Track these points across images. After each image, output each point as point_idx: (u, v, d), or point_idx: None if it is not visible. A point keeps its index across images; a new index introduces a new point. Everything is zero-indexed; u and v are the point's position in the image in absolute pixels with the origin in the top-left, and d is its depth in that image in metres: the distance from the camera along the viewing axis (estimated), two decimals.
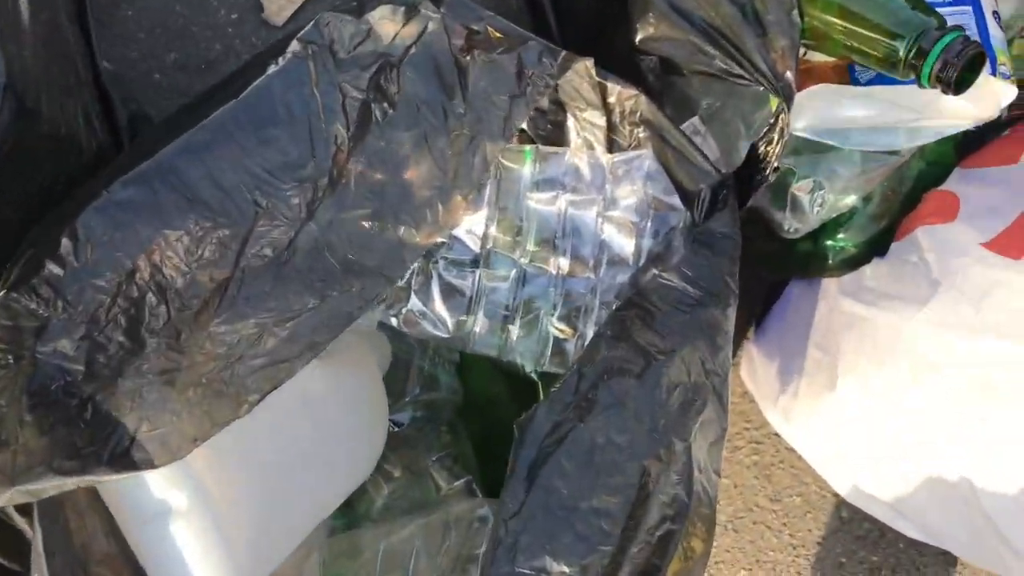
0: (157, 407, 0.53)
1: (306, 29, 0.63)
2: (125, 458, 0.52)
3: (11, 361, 0.52)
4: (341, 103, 0.60)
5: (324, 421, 0.69)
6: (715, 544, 0.79)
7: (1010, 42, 0.79)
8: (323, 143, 0.58)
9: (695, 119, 0.83)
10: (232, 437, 0.59)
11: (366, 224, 0.57)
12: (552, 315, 0.68)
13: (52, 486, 0.50)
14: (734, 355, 1.07)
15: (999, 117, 0.73)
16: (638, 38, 0.71)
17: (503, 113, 0.59)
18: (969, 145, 0.79)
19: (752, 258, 0.91)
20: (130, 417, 0.52)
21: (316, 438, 0.68)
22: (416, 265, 0.66)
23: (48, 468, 0.50)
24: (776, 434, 1.02)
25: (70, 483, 0.51)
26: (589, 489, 0.55)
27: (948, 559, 1.00)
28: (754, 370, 1.01)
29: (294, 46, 0.61)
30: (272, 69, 0.61)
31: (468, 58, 0.61)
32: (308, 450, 0.67)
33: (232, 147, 0.58)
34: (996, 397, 0.62)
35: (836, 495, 1.01)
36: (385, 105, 0.59)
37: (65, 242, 0.52)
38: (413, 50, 0.61)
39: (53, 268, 0.52)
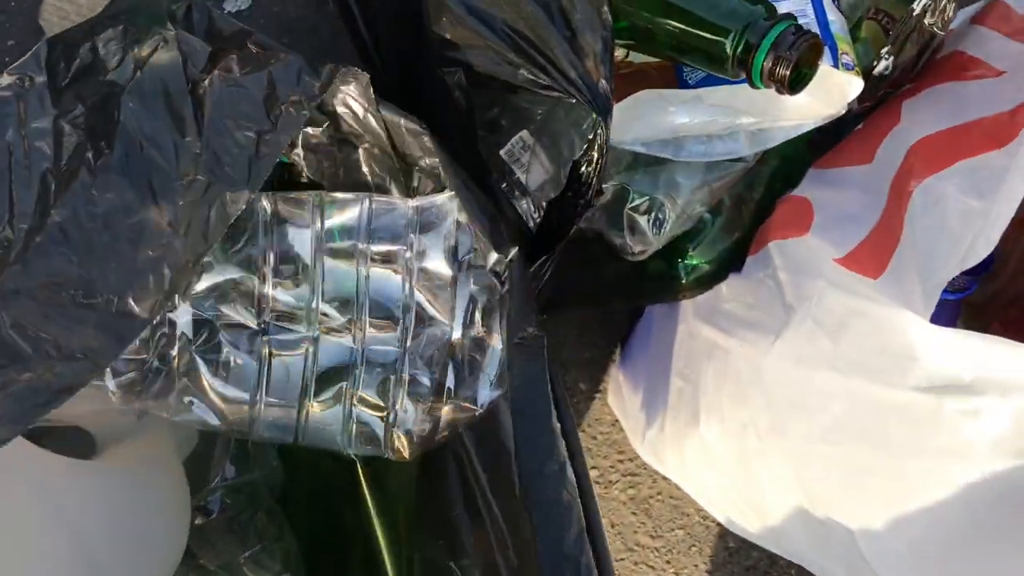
0: None
1: (23, 59, 0.52)
2: None
3: None
4: (52, 147, 0.48)
5: (91, 532, 0.57)
6: None
7: (858, 23, 0.71)
8: (23, 198, 0.47)
9: (523, 133, 0.74)
10: None
11: (66, 295, 0.45)
12: (356, 389, 0.58)
13: None
14: (599, 383, 0.98)
15: (849, 110, 0.65)
16: (437, 47, 0.61)
17: (248, 152, 0.48)
18: (823, 140, 0.72)
19: (603, 289, 0.82)
20: None
21: (78, 553, 0.56)
22: (181, 343, 0.55)
23: None
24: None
25: None
26: None
27: None
28: (621, 399, 0.93)
29: (3, 80, 0.51)
30: None
31: (207, 83, 0.49)
32: (66, 565, 0.56)
33: None
34: (863, 440, 0.54)
35: (719, 524, 0.93)
36: (102, 144, 0.48)
37: None
38: (138, 75, 0.50)
39: None
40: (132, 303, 0.46)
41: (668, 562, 0.94)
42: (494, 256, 0.56)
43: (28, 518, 0.54)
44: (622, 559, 0.94)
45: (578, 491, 0.56)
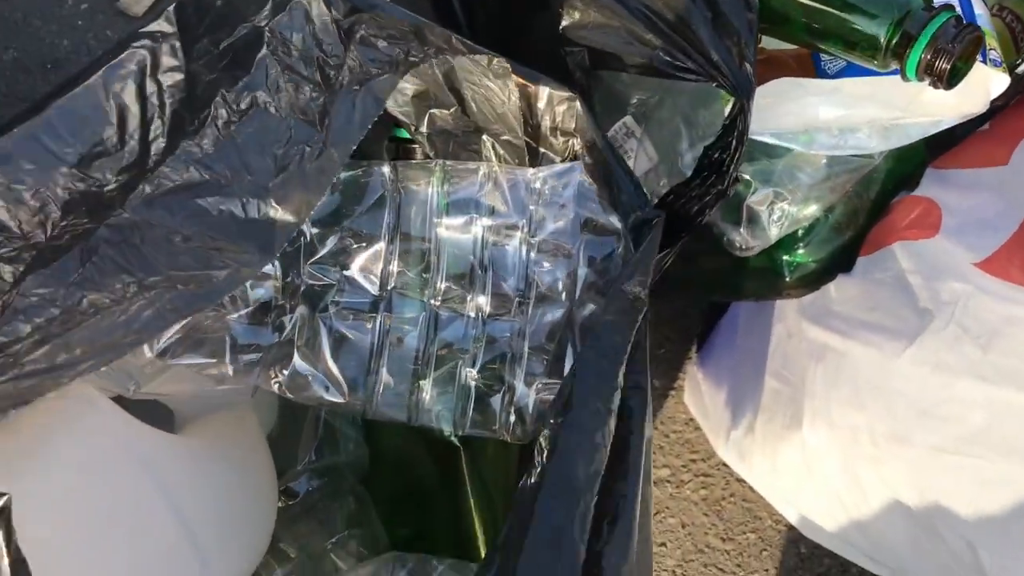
0: None
1: (153, 23, 0.51)
2: None
3: None
4: (186, 88, 0.48)
5: (191, 510, 0.55)
6: None
7: None
8: (157, 130, 0.47)
9: (627, 119, 0.72)
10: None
11: (204, 203, 0.45)
12: (472, 366, 0.56)
13: None
14: (674, 380, 0.96)
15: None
16: (563, 25, 0.59)
17: (392, 56, 0.49)
18: (939, 140, 0.69)
19: (699, 283, 0.80)
20: None
21: (181, 532, 0.54)
22: (300, 314, 0.53)
23: None
24: (725, 464, 0.92)
25: None
26: None
27: None
28: (700, 397, 0.90)
29: (136, 42, 0.49)
30: (103, 68, 0.48)
31: (351, 21, 0.49)
32: (172, 547, 0.54)
33: (41, 154, 0.46)
34: (1006, 452, 0.52)
35: (793, 529, 0.91)
36: (240, 72, 0.48)
37: None
38: (280, 16, 0.49)
39: None
40: (275, 205, 0.45)
41: (739, 565, 0.92)
42: (615, 231, 0.54)
43: (133, 491, 0.53)
44: (691, 560, 0.92)
45: (621, 441, 0.53)
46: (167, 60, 0.48)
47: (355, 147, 0.50)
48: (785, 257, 0.72)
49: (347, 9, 0.50)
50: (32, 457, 0.50)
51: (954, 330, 0.53)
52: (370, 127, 0.50)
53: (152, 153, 0.48)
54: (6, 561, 0.39)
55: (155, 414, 0.63)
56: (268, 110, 0.49)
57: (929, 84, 0.52)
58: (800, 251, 0.70)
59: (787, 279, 0.72)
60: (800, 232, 0.70)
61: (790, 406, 0.71)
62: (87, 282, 0.47)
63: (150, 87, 0.47)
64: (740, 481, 0.92)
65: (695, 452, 0.94)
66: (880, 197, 0.69)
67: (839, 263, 0.70)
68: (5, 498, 0.38)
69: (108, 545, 0.51)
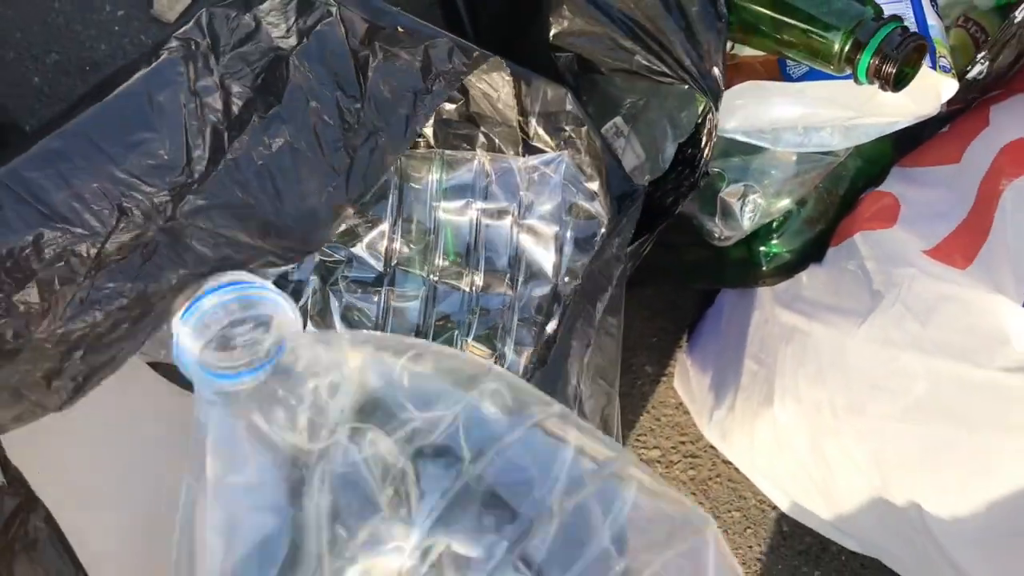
0: None
1: (186, 27, 0.57)
2: None
3: None
4: (222, 101, 0.53)
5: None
6: None
7: (946, 32, 0.75)
8: (198, 143, 0.52)
9: (617, 119, 0.78)
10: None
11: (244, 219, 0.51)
12: (467, 336, 0.62)
13: None
14: (665, 367, 1.02)
15: (938, 112, 0.69)
16: (552, 33, 0.65)
17: (406, 110, 0.53)
18: (906, 141, 0.75)
19: (682, 271, 0.86)
20: None
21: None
22: (313, 287, 0.60)
23: None
24: (713, 447, 0.97)
25: None
26: None
27: (890, 572, 0.96)
28: (688, 382, 0.96)
29: (171, 44, 0.55)
30: (144, 70, 0.54)
31: (367, 52, 0.54)
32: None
33: (94, 153, 0.52)
34: (944, 418, 0.57)
35: (776, 508, 0.97)
36: (271, 98, 0.53)
37: None
38: (305, 42, 0.55)
39: None
40: (296, 237, 0.51)
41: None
42: (598, 216, 0.60)
43: (154, 435, 0.59)
44: None
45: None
46: (202, 69, 0.54)
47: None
48: (762, 248, 0.78)
49: (365, 31, 0.56)
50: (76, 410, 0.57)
51: (899, 308, 0.59)
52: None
53: (196, 166, 0.52)
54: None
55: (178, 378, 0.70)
56: (297, 147, 0.53)
57: (879, 87, 0.58)
58: (774, 242, 0.76)
59: (763, 268, 0.78)
60: (774, 224, 0.76)
61: (764, 385, 0.77)
62: (148, 276, 0.52)
63: (188, 98, 0.53)
64: (726, 463, 0.98)
65: (684, 435, 0.99)
66: (849, 193, 0.75)
67: (811, 254, 0.76)
68: None
69: (132, 479, 0.58)
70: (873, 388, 0.62)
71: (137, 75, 0.54)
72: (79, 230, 0.51)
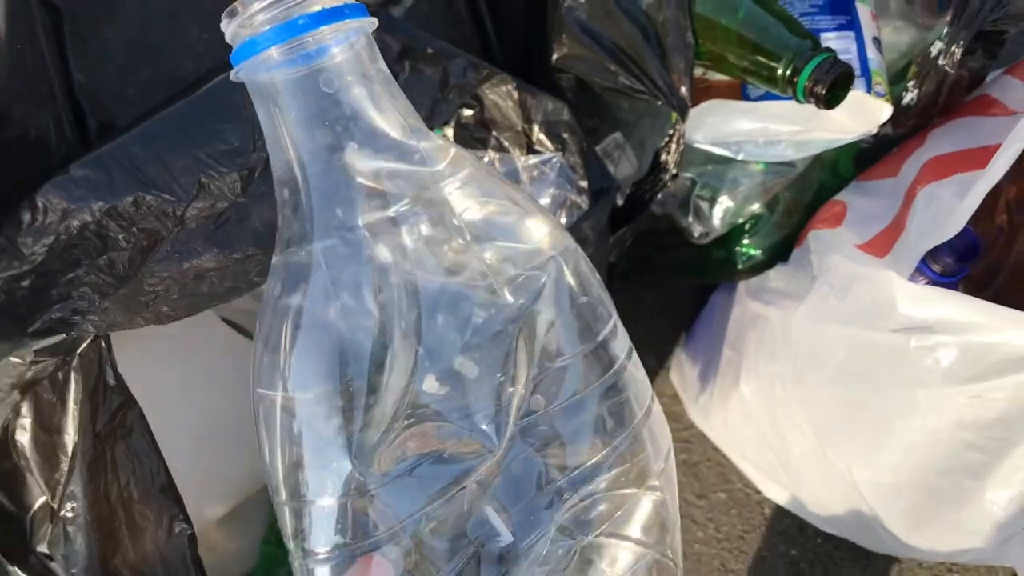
0: (87, 306, 0.60)
1: None
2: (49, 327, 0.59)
3: None
4: None
5: None
6: None
7: (907, 67, 0.87)
8: (261, 137, 0.66)
9: (617, 134, 0.91)
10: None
11: None
12: None
13: None
14: (664, 362, 1.14)
15: (885, 134, 0.81)
16: (555, 57, 0.79)
17: (425, 113, 0.67)
18: (867, 160, 0.87)
19: (671, 267, 0.99)
20: (62, 307, 0.60)
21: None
22: None
23: None
24: (704, 434, 1.09)
25: None
26: None
27: (860, 553, 1.06)
28: (682, 374, 1.08)
29: None
30: (224, 75, 0.69)
31: (399, 68, 0.69)
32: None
33: (182, 137, 0.66)
34: (859, 379, 0.69)
35: (759, 492, 1.08)
36: None
37: (25, 213, 0.60)
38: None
39: (8, 231, 0.60)
40: None
41: (709, 519, 1.09)
42: (583, 207, 0.73)
43: (222, 377, 0.74)
44: None
45: None
46: None
47: None
48: (737, 248, 0.90)
49: (399, 51, 0.70)
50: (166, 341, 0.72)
51: (826, 288, 0.71)
52: None
53: (261, 153, 0.65)
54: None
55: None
56: None
57: (814, 104, 0.71)
58: (746, 242, 0.89)
59: (739, 267, 0.91)
60: (747, 227, 0.88)
61: (735, 368, 0.89)
62: (219, 241, 0.64)
63: None
64: (716, 449, 1.09)
65: (678, 422, 1.11)
66: (813, 203, 0.88)
67: (779, 254, 0.88)
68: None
69: (199, 393, 0.72)
70: (811, 358, 0.74)
71: (218, 78, 0.70)
72: (167, 196, 0.65)
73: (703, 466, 1.10)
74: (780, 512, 1.08)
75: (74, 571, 0.63)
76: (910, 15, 0.89)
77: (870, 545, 0.85)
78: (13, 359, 0.59)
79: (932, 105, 0.79)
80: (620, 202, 0.85)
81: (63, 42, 0.95)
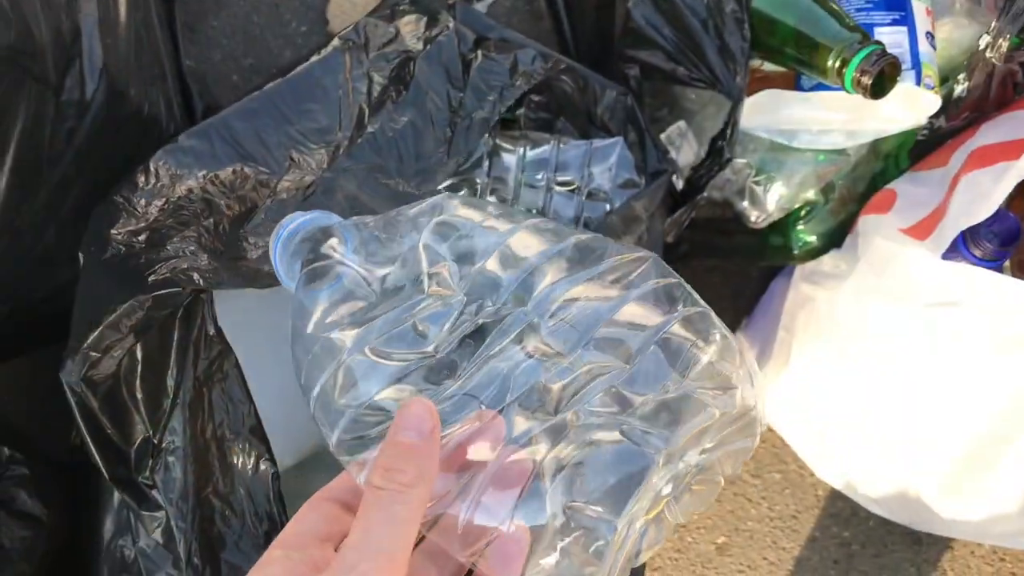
0: (196, 263, 0.68)
1: (347, 30, 0.79)
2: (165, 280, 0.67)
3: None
4: (367, 87, 0.75)
5: None
6: (696, 512, 0.91)
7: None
8: (348, 116, 0.74)
9: (681, 123, 0.96)
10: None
11: (372, 176, 0.72)
12: None
13: None
14: None
15: (939, 127, 0.85)
16: (621, 49, 0.85)
17: (494, 97, 0.74)
18: (920, 151, 0.90)
19: (735, 251, 1.03)
20: (176, 262, 0.68)
21: None
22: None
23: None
24: None
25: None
26: None
27: (913, 537, 1.09)
28: None
29: (335, 42, 0.77)
30: (315, 58, 0.76)
31: (473, 56, 0.75)
32: None
33: (276, 114, 0.74)
34: (896, 356, 0.73)
35: (813, 475, 1.11)
36: (401, 88, 0.74)
37: (140, 176, 0.68)
38: (428, 48, 0.76)
39: (126, 191, 0.69)
40: (412, 187, 0.72)
41: (763, 498, 1.13)
42: (639, 186, 0.79)
43: None
44: (724, 489, 1.14)
45: None
46: (355, 62, 0.76)
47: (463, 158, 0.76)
48: (792, 234, 0.94)
49: (474, 41, 0.77)
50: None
51: (866, 266, 0.75)
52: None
53: (345, 133, 0.73)
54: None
55: None
56: (416, 124, 0.74)
57: (861, 94, 0.75)
58: (801, 228, 0.93)
59: (795, 252, 0.95)
60: (802, 212, 0.92)
61: (787, 348, 0.93)
62: (317, 207, 0.74)
63: (343, 82, 0.75)
64: (771, 430, 1.13)
65: None
66: (868, 190, 0.91)
67: (833, 240, 0.92)
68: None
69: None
70: (852, 334, 0.78)
71: (311, 60, 0.77)
72: (263, 168, 0.73)
73: (759, 448, 1.14)
74: (834, 494, 1.11)
75: (171, 496, 0.71)
76: (974, 13, 0.91)
77: (909, 520, 0.89)
78: (134, 303, 0.67)
79: (984, 98, 0.82)
80: (680, 186, 0.90)
81: (175, 29, 1.05)
